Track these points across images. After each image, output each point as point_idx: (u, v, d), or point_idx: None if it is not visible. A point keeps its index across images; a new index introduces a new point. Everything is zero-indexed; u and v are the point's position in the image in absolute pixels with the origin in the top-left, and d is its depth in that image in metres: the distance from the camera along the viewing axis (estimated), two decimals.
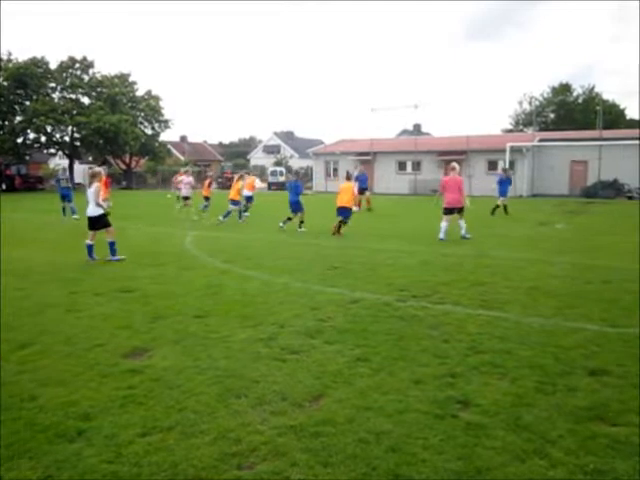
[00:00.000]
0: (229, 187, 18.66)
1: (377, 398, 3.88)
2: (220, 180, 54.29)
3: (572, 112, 61.54)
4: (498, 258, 9.87)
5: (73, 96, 48.12)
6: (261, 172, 59.39)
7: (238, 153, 76.85)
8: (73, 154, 49.60)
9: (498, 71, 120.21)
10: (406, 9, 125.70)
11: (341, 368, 4.44)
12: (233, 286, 7.58)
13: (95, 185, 9.61)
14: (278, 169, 53.15)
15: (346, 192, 14.13)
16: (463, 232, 12.56)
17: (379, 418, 3.58)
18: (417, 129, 57.93)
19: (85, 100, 48.42)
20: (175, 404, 3.81)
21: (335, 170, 45.45)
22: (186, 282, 7.88)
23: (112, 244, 9.66)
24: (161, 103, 52.78)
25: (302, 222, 14.74)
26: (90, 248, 9.65)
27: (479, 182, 38.00)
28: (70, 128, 46.78)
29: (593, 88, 64.25)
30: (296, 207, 14.87)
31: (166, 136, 56.27)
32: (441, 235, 12.24)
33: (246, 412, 3.69)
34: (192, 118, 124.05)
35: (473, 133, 41.31)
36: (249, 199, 18.71)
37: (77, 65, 48.09)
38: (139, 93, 51.85)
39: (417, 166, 40.99)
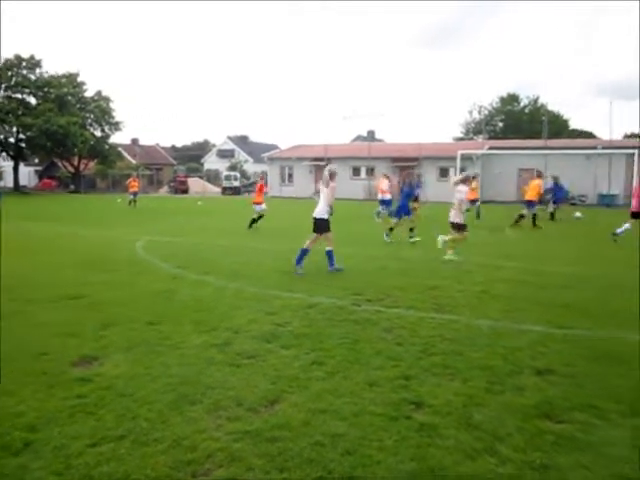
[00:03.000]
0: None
1: (332, 401, 3.91)
2: (172, 184, 53.49)
3: (519, 121, 63.78)
4: (450, 262, 10.10)
5: (19, 96, 46.43)
6: (215, 177, 58.84)
7: (191, 157, 75.86)
8: (18, 156, 47.82)
9: (450, 80, 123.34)
10: (361, 17, 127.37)
11: (297, 372, 4.45)
12: (187, 291, 7.47)
13: None
14: (232, 174, 52.77)
15: (533, 189, 17.50)
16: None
17: (335, 421, 3.61)
18: (371, 135, 58.64)
19: (32, 100, 46.82)
20: (127, 413, 3.72)
21: (290, 175, 45.52)
22: (138, 288, 7.71)
23: None
24: (112, 104, 51.58)
25: (391, 229, 13.62)
26: None
27: (431, 188, 38.82)
28: (15, 129, 45.09)
29: (538, 99, 66.88)
30: (401, 210, 13.69)
31: (117, 139, 55.00)
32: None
33: (201, 419, 3.65)
34: (144, 120, 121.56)
35: (425, 140, 42.22)
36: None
37: (23, 64, 46.46)
38: (88, 94, 50.54)
39: (371, 172, 41.54)
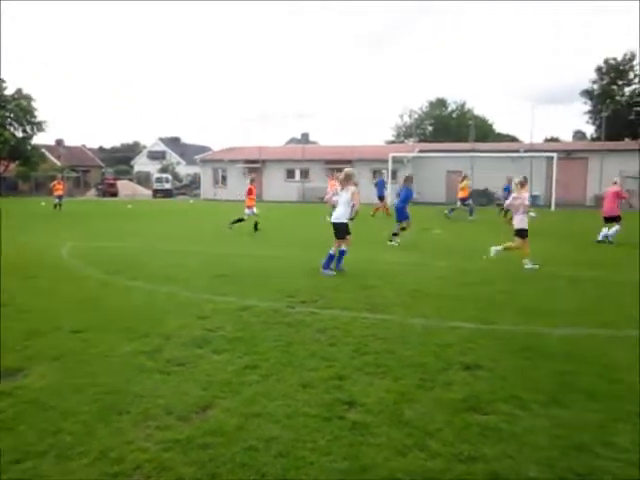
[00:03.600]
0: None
1: (266, 404, 3.88)
2: (100, 187, 51.53)
3: (447, 125, 65.99)
4: (384, 262, 10.31)
5: None
6: (146, 179, 57.24)
7: (120, 159, 73.37)
8: None
9: (382, 84, 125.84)
10: (295, 17, 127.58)
11: (230, 377, 4.39)
12: (115, 297, 7.22)
13: None
14: (164, 176, 51.51)
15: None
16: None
17: (268, 424, 3.59)
18: (305, 138, 58.97)
19: None
20: (49, 427, 3.54)
21: (224, 178, 44.98)
22: (64, 295, 7.37)
23: None
24: (33, 103, 49.08)
25: (398, 232, 13.56)
26: None
27: (365, 190, 39.43)
28: None
29: (465, 104, 69.50)
30: (401, 215, 13.69)
31: (40, 139, 52.39)
32: None
33: (129, 429, 3.53)
34: (69, 120, 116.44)
35: (359, 143, 42.88)
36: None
37: None
38: (8, 92, 47.86)
39: (305, 174, 41.76)
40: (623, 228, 14.17)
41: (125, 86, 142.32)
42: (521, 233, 10.14)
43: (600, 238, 14.10)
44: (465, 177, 23.37)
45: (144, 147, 75.97)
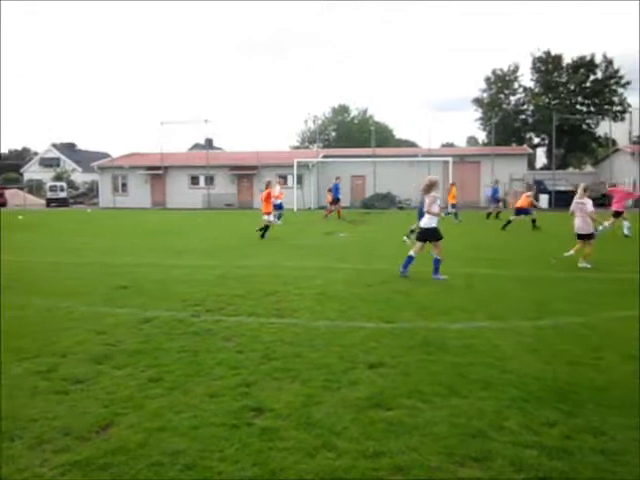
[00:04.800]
0: None
1: (171, 417, 3.78)
2: None
3: (350, 131, 67.63)
4: (290, 268, 10.37)
5: None
6: (38, 188, 53.69)
7: (9, 166, 68.15)
8: None
9: (286, 89, 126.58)
10: (198, 21, 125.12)
11: (132, 392, 4.23)
12: (5, 315, 6.70)
13: None
14: (58, 184, 48.51)
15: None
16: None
17: (174, 438, 3.50)
18: (209, 143, 57.95)
19: None
20: None
21: (124, 185, 43.17)
22: None
23: None
24: None
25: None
26: None
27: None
28: None
29: (366, 110, 71.63)
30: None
31: None
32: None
33: (22, 456, 3.29)
34: None
35: (264, 149, 42.86)
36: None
37: None
38: None
39: (210, 180, 41.07)
40: (514, 225, 15.24)
41: (11, 87, 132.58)
42: (587, 237, 10.58)
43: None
44: (453, 184, 24.71)
45: (35, 154, 71.18)
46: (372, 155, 40.16)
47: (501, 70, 56.74)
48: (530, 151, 47.98)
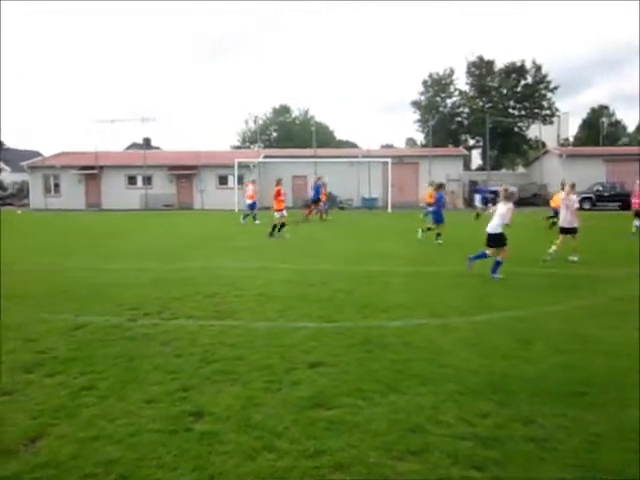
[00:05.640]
0: None
1: (105, 426, 3.65)
2: None
3: (291, 132, 67.62)
4: (229, 269, 10.24)
5: None
6: None
7: None
8: None
9: (226, 89, 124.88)
10: (136, 19, 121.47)
11: (63, 401, 4.05)
12: None
13: None
14: None
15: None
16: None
17: (108, 447, 3.38)
18: (147, 143, 56.47)
19: None
20: None
21: (56, 185, 41.39)
22: None
23: None
24: None
25: (439, 234, 14.99)
26: None
27: (211, 197, 39.03)
28: None
29: (308, 111, 71.84)
30: (438, 218, 14.98)
31: None
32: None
33: None
34: None
35: (204, 148, 42.18)
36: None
37: None
38: None
39: (148, 180, 40.01)
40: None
41: None
42: (573, 231, 11.48)
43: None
44: (432, 183, 24.66)
45: None
46: (313, 156, 40.31)
47: (437, 74, 58.29)
48: (466, 152, 49.57)
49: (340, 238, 16.34)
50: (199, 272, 9.79)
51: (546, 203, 40.99)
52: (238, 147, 67.01)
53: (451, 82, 58.54)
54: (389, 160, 36.91)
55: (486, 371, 4.67)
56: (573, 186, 12.19)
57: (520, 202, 35.77)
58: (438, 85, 58.37)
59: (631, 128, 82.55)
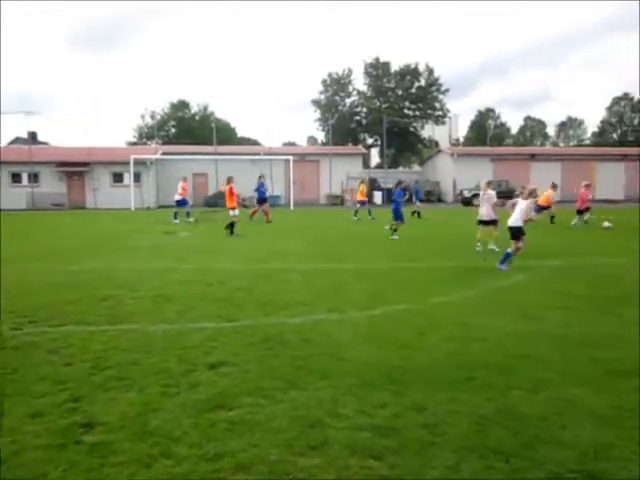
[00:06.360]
0: None
1: None
2: None
3: (190, 128, 65.95)
4: (125, 270, 9.81)
5: None
6: None
7: None
8: None
9: (121, 82, 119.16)
10: (20, 8, 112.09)
11: None
12: None
13: None
14: None
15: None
16: None
17: None
18: (32, 137, 52.57)
19: None
20: None
21: None
22: None
23: None
24: None
25: (395, 230, 15.71)
26: None
27: (105, 195, 37.19)
28: None
29: (207, 107, 70.37)
30: (397, 215, 15.76)
31: None
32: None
33: None
34: None
35: (97, 144, 40.06)
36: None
37: None
38: None
39: (34, 178, 37.31)
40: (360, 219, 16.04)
41: None
42: (493, 223, 12.50)
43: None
44: (362, 181, 24.64)
45: None
46: (214, 153, 39.64)
47: (337, 73, 59.43)
48: (365, 151, 51.07)
49: (238, 237, 16.18)
50: (92, 274, 9.28)
51: (439, 199, 43.41)
52: (134, 143, 64.31)
53: (350, 82, 59.97)
54: (291, 158, 37.16)
55: (383, 363, 4.83)
56: (490, 183, 13.12)
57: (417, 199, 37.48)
58: (337, 85, 59.57)
59: (515, 130, 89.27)
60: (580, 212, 19.36)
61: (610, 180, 42.80)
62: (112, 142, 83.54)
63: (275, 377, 4.48)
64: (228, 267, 10.12)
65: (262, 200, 22.09)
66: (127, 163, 35.39)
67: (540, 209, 20.41)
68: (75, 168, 37.66)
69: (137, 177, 36.47)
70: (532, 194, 10.42)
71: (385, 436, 3.48)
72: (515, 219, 10.19)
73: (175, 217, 21.71)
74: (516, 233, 10.13)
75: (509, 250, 10.07)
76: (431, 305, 7.13)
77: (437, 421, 3.69)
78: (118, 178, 37.86)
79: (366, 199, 23.83)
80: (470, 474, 3.07)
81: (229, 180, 17.48)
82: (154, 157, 38.28)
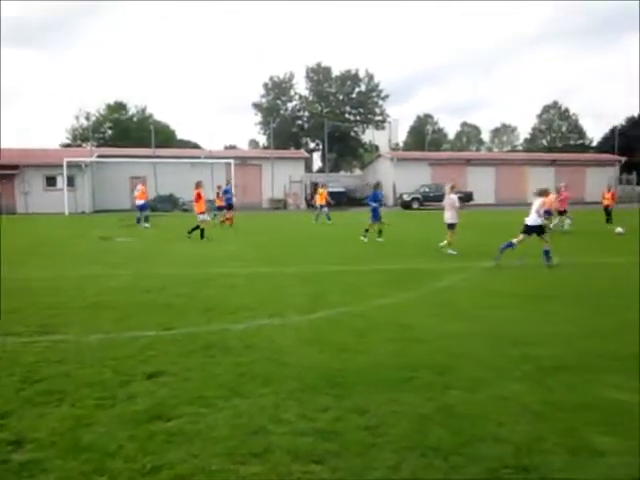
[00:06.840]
0: None
1: None
2: None
3: (128, 130, 64.09)
4: (60, 277, 9.41)
5: None
6: None
7: None
8: None
9: (54, 82, 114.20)
10: None
11: None
12: None
13: None
14: None
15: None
16: None
17: None
18: None
19: None
20: None
21: None
22: None
23: None
24: None
25: (380, 231, 15.71)
26: None
27: (37, 199, 35.62)
28: None
29: (145, 109, 68.67)
30: (376, 216, 15.77)
31: None
32: None
33: None
34: None
35: (27, 146, 38.31)
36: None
37: None
38: None
39: None
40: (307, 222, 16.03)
41: None
42: (452, 226, 12.75)
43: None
44: (323, 185, 24.69)
45: None
46: (152, 156, 38.69)
47: (278, 77, 59.40)
48: (307, 155, 51.25)
49: (180, 241, 15.87)
50: (22, 283, 8.83)
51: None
52: (68, 145, 61.84)
53: (291, 86, 60.05)
54: (232, 161, 36.76)
55: (325, 366, 4.83)
56: (453, 187, 13.46)
57: (357, 202, 37.96)
58: (279, 88, 59.56)
59: (452, 135, 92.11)
60: (561, 213, 19.85)
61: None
62: (45, 144, 79.96)
63: (217, 385, 4.39)
64: (168, 272, 9.90)
65: (230, 205, 22.46)
66: (60, 166, 33.97)
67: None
68: (4, 171, 35.81)
69: (71, 181, 35.10)
70: (541, 194, 11.09)
71: (327, 440, 3.48)
72: (533, 219, 10.86)
73: (138, 221, 21.53)
74: (539, 231, 10.85)
75: (546, 247, 10.65)
76: (372, 307, 7.22)
77: (378, 422, 3.73)
78: (51, 181, 36.33)
79: (326, 203, 23.89)
80: (410, 473, 3.11)
81: (198, 185, 17.27)
82: (89, 160, 36.98)
